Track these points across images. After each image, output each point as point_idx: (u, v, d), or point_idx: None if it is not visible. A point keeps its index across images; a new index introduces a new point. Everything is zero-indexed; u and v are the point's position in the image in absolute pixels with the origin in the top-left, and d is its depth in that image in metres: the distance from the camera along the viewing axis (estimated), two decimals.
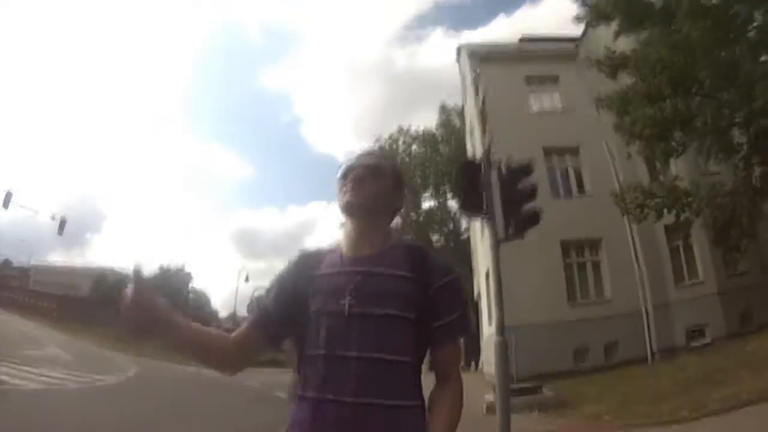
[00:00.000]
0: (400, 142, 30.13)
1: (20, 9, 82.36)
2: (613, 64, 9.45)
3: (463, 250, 24.35)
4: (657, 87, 8.46)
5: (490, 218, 5.09)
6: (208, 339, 1.29)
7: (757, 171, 8.85)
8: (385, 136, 30.40)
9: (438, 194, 29.62)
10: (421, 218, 29.50)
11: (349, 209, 1.31)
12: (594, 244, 14.18)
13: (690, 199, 9.33)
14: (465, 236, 26.59)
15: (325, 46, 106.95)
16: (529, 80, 15.77)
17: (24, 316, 32.31)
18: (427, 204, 30.11)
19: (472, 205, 5.36)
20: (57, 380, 10.68)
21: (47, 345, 18.72)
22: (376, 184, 1.33)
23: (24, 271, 54.24)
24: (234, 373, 1.34)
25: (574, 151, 14.47)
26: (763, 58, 8.35)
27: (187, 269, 49.95)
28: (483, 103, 16.18)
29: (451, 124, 29.79)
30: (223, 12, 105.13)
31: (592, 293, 14.05)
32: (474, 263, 20.56)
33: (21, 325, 26.14)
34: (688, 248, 13.49)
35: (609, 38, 9.95)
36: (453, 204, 28.28)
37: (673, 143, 8.99)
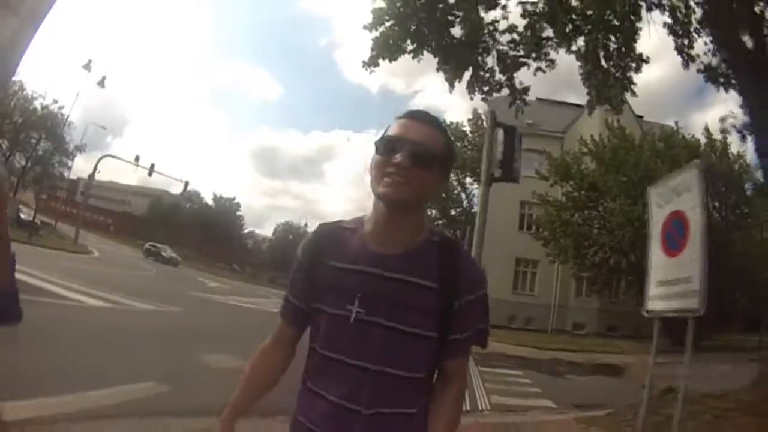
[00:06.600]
0: None
1: None
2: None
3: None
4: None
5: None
6: (261, 387, 1.26)
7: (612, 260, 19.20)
8: None
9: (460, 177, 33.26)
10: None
11: (387, 202, 1.08)
12: (535, 263, 24.51)
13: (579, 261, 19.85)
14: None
15: None
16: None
17: (85, 229, 35.13)
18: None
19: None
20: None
21: None
22: (426, 176, 1.08)
23: (72, 183, 54.10)
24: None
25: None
26: None
27: (236, 200, 57.67)
28: None
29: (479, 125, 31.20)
30: None
31: (527, 288, 24.70)
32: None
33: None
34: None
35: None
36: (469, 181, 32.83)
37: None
